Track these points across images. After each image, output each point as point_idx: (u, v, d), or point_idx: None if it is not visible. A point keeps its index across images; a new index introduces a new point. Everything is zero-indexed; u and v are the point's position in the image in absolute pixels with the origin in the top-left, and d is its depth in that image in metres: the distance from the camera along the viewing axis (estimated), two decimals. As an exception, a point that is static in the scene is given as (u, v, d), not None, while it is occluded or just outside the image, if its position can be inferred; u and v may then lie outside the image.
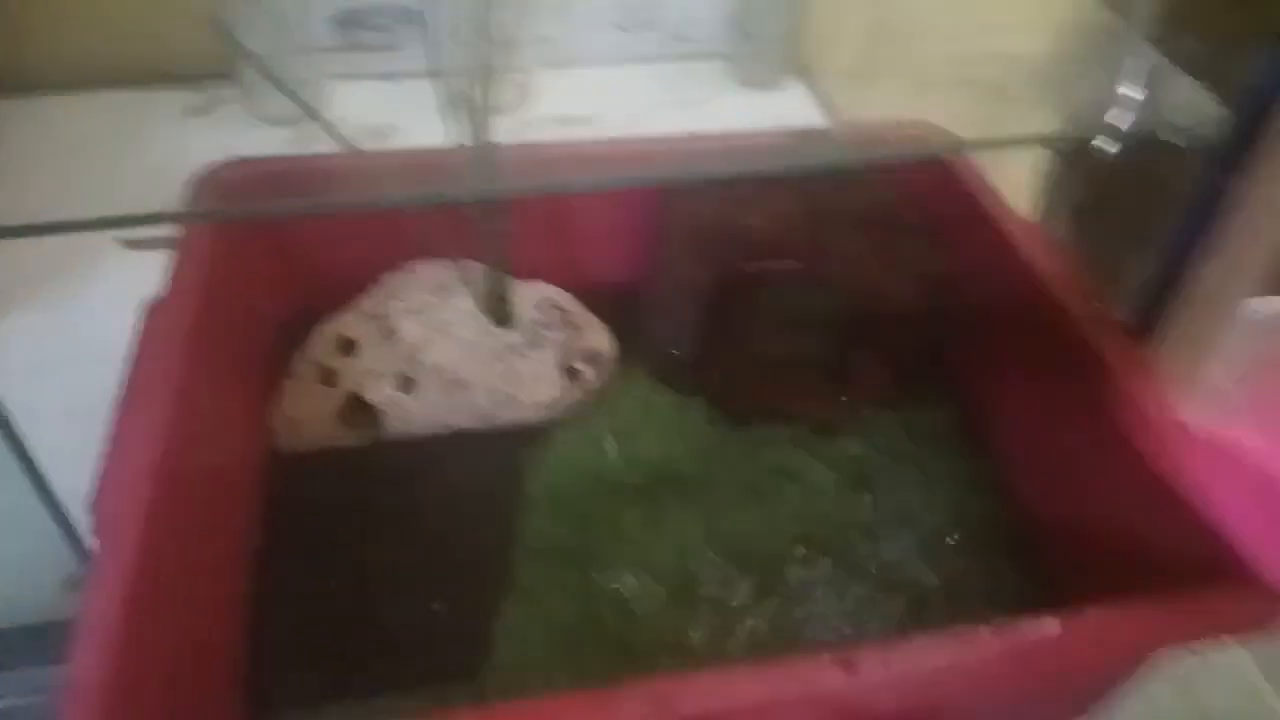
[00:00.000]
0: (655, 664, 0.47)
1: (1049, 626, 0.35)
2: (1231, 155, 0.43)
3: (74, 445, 0.43)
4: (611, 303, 0.61)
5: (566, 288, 0.60)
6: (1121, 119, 0.62)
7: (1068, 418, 0.51)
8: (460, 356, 0.54)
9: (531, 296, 0.57)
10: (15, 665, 0.48)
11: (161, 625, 0.38)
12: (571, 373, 0.57)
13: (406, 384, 0.54)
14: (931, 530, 0.53)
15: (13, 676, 0.49)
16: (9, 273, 0.69)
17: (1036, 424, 0.53)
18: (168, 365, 0.44)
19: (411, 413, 0.54)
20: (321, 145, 0.81)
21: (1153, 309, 0.48)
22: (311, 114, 0.48)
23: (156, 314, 0.47)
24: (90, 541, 0.44)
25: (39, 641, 0.48)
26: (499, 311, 0.56)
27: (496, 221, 0.54)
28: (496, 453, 0.55)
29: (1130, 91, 0.68)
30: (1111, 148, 0.53)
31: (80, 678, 0.34)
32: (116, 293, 0.67)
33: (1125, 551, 0.45)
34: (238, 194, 0.54)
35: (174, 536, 0.40)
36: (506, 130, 0.52)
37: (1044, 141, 0.53)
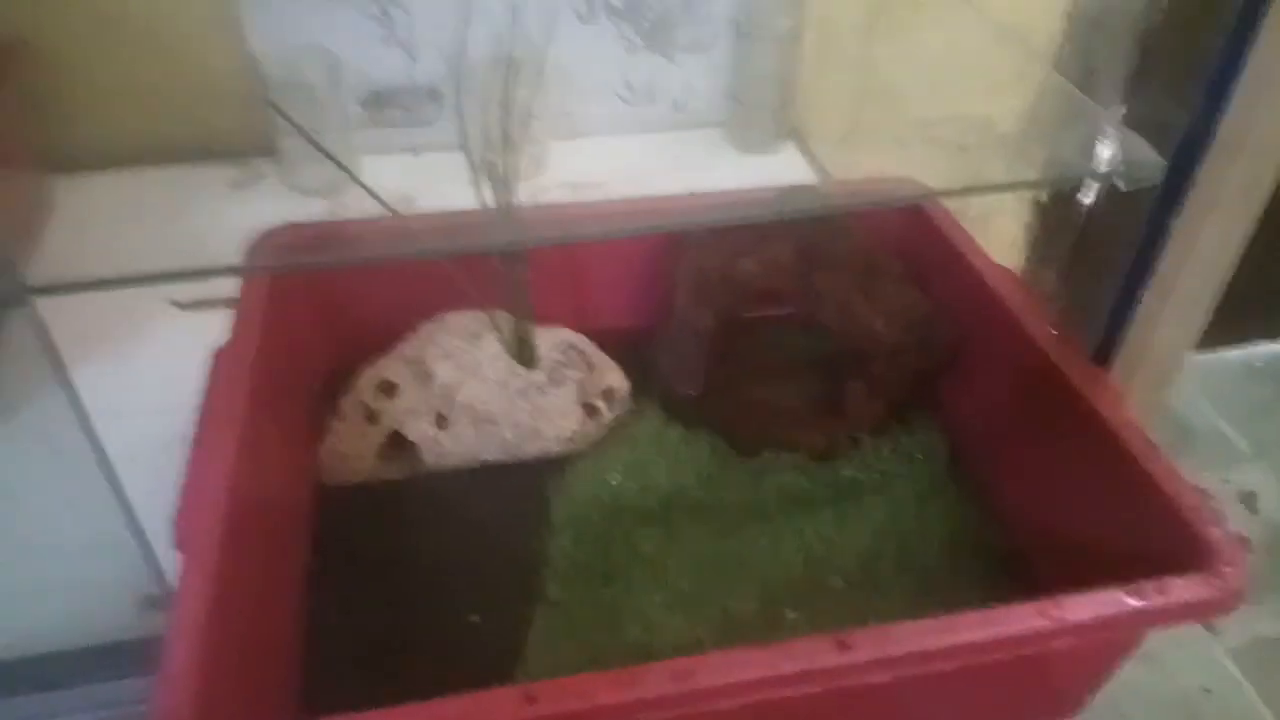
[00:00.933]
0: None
1: (1027, 610, 0.40)
2: (1169, 197, 0.49)
3: (141, 483, 0.48)
4: (623, 344, 0.67)
5: (583, 331, 0.66)
6: (1078, 169, 0.68)
7: (1040, 435, 0.56)
8: (489, 395, 0.60)
9: (552, 340, 0.63)
10: (85, 682, 0.53)
11: (236, 633, 0.43)
12: (590, 409, 0.62)
13: (441, 421, 0.60)
14: (923, 542, 0.57)
15: (82, 693, 0.53)
16: (69, 331, 0.75)
17: (1014, 443, 0.58)
18: (233, 403, 0.50)
19: (446, 447, 0.60)
20: (353, 213, 0.89)
21: (1111, 334, 0.54)
22: (358, 182, 0.54)
23: (222, 359, 0.53)
24: (164, 562, 0.49)
25: (108, 659, 0.53)
26: (523, 354, 0.61)
27: (518, 272, 0.60)
28: (523, 482, 0.61)
29: (1085, 146, 0.75)
30: (1080, 194, 0.59)
31: (171, 677, 0.38)
32: (168, 351, 0.74)
33: (1101, 550, 0.50)
34: (289, 253, 0.60)
35: (244, 554, 0.45)
36: (524, 195, 0.59)
37: (1009, 187, 0.59)
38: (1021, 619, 0.41)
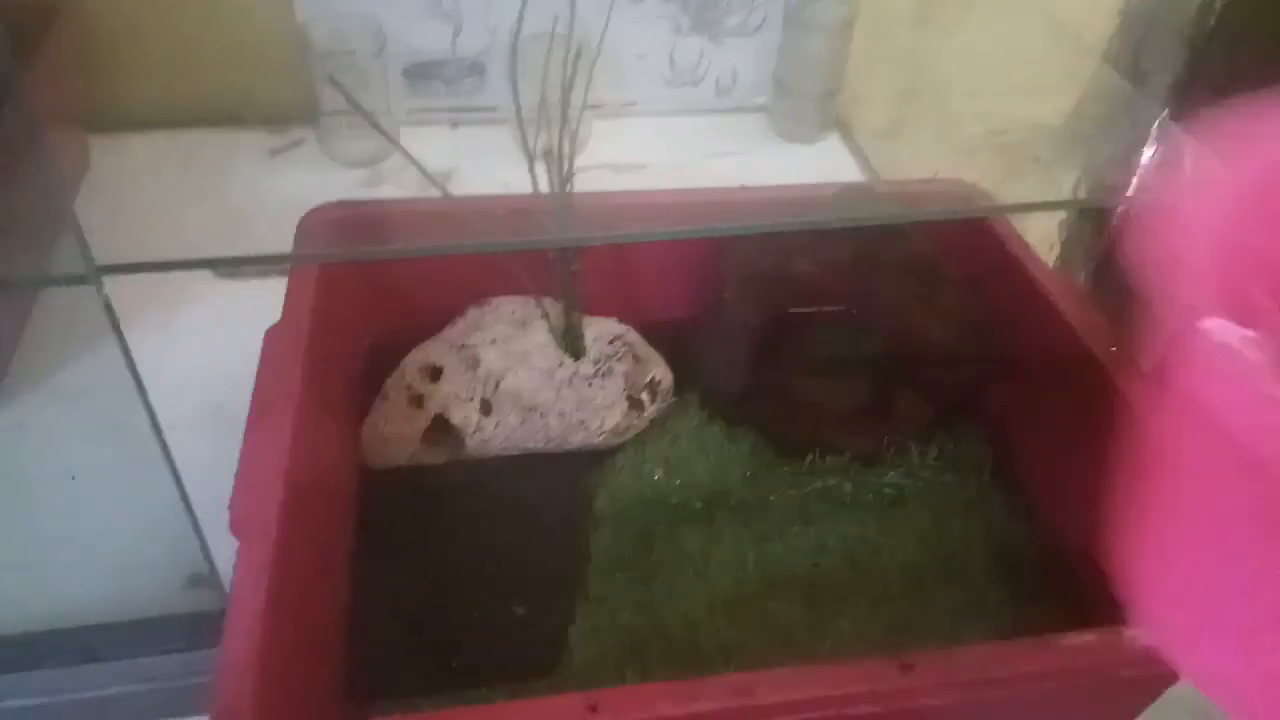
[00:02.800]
0: (715, 669, 0.52)
1: (1090, 638, 0.40)
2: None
3: (182, 454, 0.48)
4: (668, 335, 0.66)
5: (629, 322, 0.65)
6: (1135, 176, 0.67)
7: (1093, 452, 0.55)
8: (535, 384, 0.59)
9: (601, 331, 0.62)
10: (130, 655, 0.53)
11: (291, 618, 0.43)
12: (634, 402, 0.62)
13: (485, 408, 0.59)
14: (968, 552, 0.57)
15: (127, 666, 0.53)
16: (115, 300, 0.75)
17: (1064, 457, 0.58)
18: (287, 386, 0.50)
19: (489, 434, 0.59)
20: (392, 185, 0.88)
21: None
22: (420, 169, 0.53)
23: (274, 339, 0.52)
24: (212, 540, 0.49)
25: (153, 633, 0.53)
26: (572, 344, 0.61)
27: (571, 263, 0.59)
28: (564, 473, 0.61)
29: (1143, 151, 0.74)
30: (1128, 204, 0.58)
31: (232, 660, 0.38)
32: (209, 320, 0.73)
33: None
34: (340, 232, 0.59)
35: (299, 537, 0.45)
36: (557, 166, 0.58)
37: (1071, 204, 0.58)
38: (1085, 646, 0.41)
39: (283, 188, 0.87)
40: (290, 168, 0.89)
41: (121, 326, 0.71)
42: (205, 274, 0.78)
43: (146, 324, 0.72)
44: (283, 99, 0.91)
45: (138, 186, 0.85)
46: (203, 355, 0.71)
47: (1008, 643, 0.40)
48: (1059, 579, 0.56)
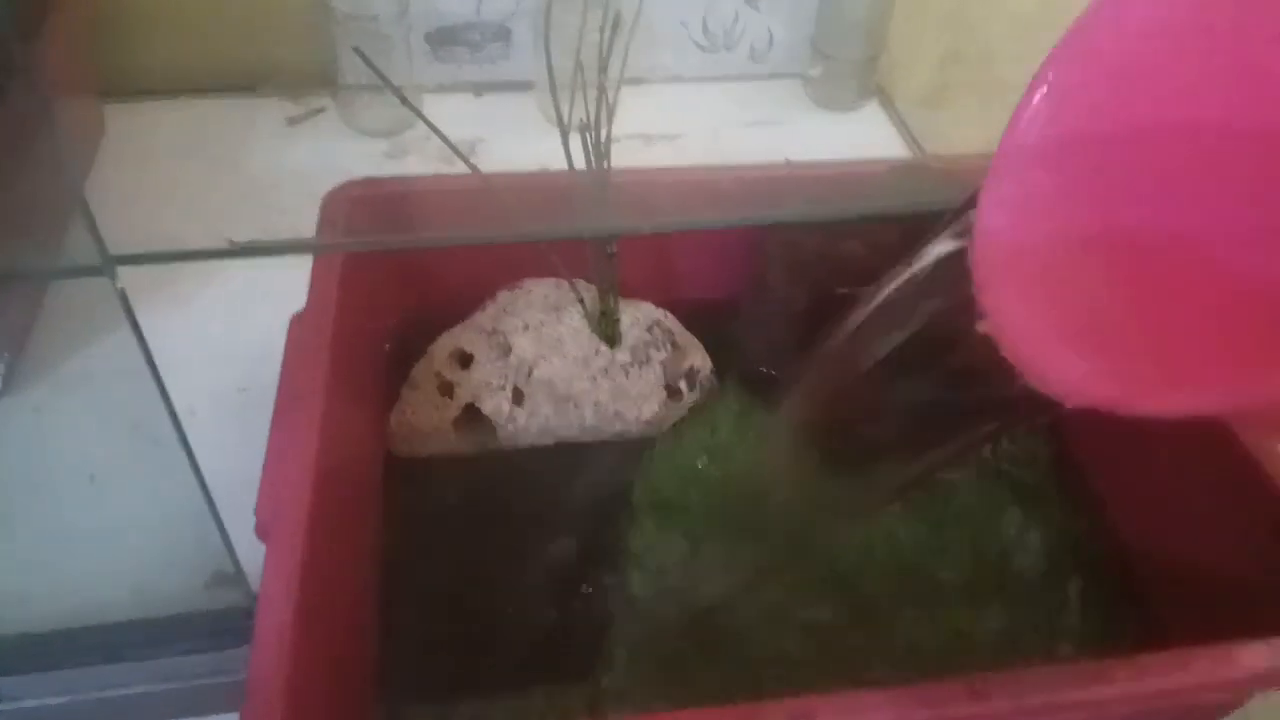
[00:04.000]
0: (760, 677, 0.49)
1: (1176, 665, 0.37)
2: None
3: (201, 442, 0.45)
4: (709, 320, 0.63)
5: (666, 304, 0.62)
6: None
7: (1161, 450, 0.52)
8: (570, 373, 0.57)
9: (638, 316, 0.59)
10: (153, 654, 0.51)
11: (321, 621, 0.41)
12: (672, 391, 0.59)
13: (518, 397, 0.57)
14: (1024, 553, 0.55)
15: (149, 664, 0.51)
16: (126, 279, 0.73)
17: (1130, 454, 0.55)
18: (315, 375, 0.47)
19: (522, 425, 0.57)
20: (415, 156, 0.85)
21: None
22: (449, 144, 0.50)
23: (299, 328, 0.49)
24: (239, 537, 0.47)
25: (176, 632, 0.51)
26: (608, 331, 0.58)
27: (608, 246, 0.56)
28: (600, 463, 0.58)
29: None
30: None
31: (261, 673, 0.36)
32: (228, 297, 0.71)
33: (1231, 586, 0.47)
34: (364, 212, 0.56)
35: (328, 536, 0.43)
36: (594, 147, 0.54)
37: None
38: (1163, 667, 0.38)
39: (302, 159, 0.84)
40: (309, 137, 0.86)
41: (136, 305, 0.69)
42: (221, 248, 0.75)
43: (163, 301, 0.70)
44: (302, 66, 0.87)
45: (153, 157, 0.82)
46: (222, 335, 0.69)
47: (1084, 665, 0.38)
48: (1120, 580, 0.54)
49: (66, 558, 0.52)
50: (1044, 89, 0.33)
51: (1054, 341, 0.31)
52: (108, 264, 0.35)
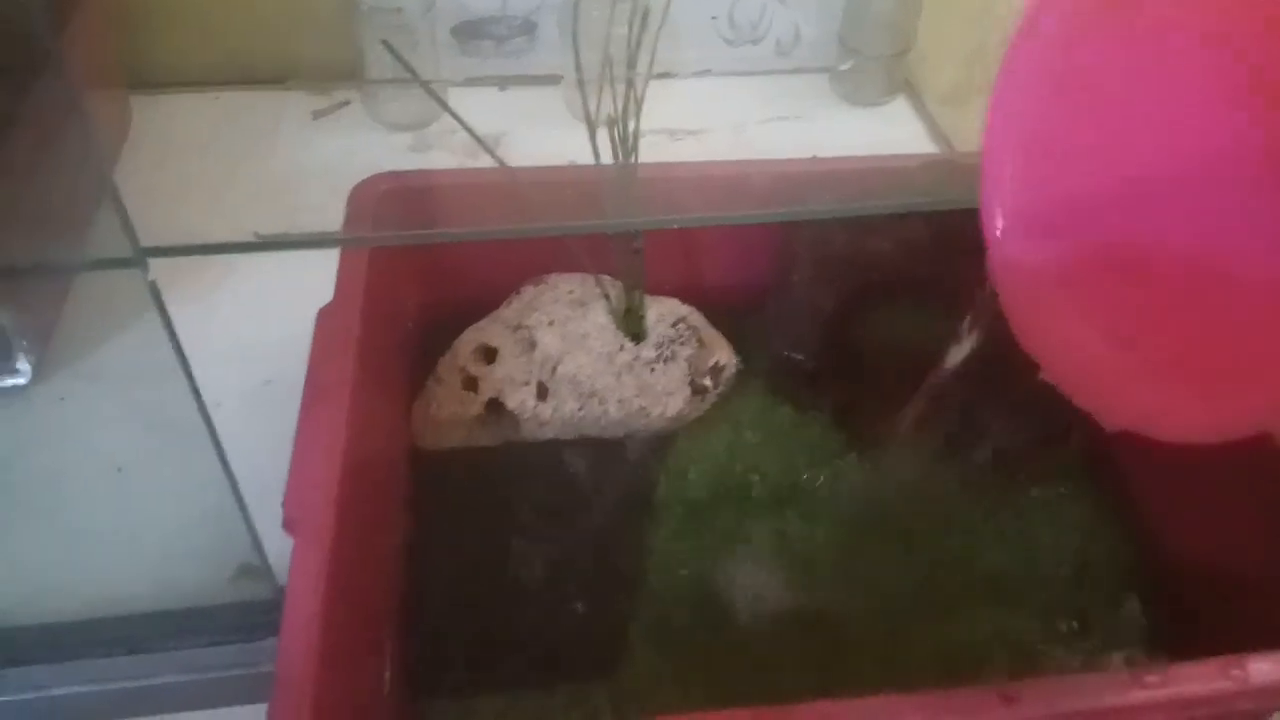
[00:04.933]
0: (784, 677, 0.49)
1: (1211, 674, 0.37)
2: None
3: (228, 435, 0.45)
4: (735, 315, 0.63)
5: (692, 299, 0.62)
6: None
7: (1201, 452, 0.51)
8: (595, 369, 0.57)
9: (663, 312, 0.59)
10: (177, 645, 0.51)
11: (348, 615, 0.40)
12: (697, 387, 0.59)
13: (542, 392, 0.57)
14: (1057, 555, 0.54)
15: (173, 656, 0.52)
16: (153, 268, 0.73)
17: (1166, 454, 0.54)
18: (342, 367, 0.47)
19: (546, 420, 0.57)
20: (439, 150, 0.85)
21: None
22: (476, 138, 0.50)
23: (326, 320, 0.49)
24: (262, 532, 0.47)
25: (201, 623, 0.51)
26: (633, 327, 0.58)
27: (634, 241, 0.55)
28: (624, 458, 0.58)
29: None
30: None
31: (288, 666, 0.36)
32: (253, 288, 0.71)
33: (1271, 593, 0.46)
34: (391, 206, 0.56)
35: (356, 531, 0.43)
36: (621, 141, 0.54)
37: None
38: (1199, 676, 0.37)
39: (327, 152, 0.84)
40: (335, 130, 0.86)
41: (163, 296, 0.69)
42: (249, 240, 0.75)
43: (188, 293, 0.70)
44: (327, 59, 0.87)
45: (180, 149, 0.83)
46: (248, 328, 0.68)
47: (1115, 674, 0.37)
48: (1159, 590, 0.53)
49: (92, 549, 0.53)
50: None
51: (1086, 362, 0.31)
52: (139, 256, 0.35)
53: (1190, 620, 0.51)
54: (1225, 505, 0.51)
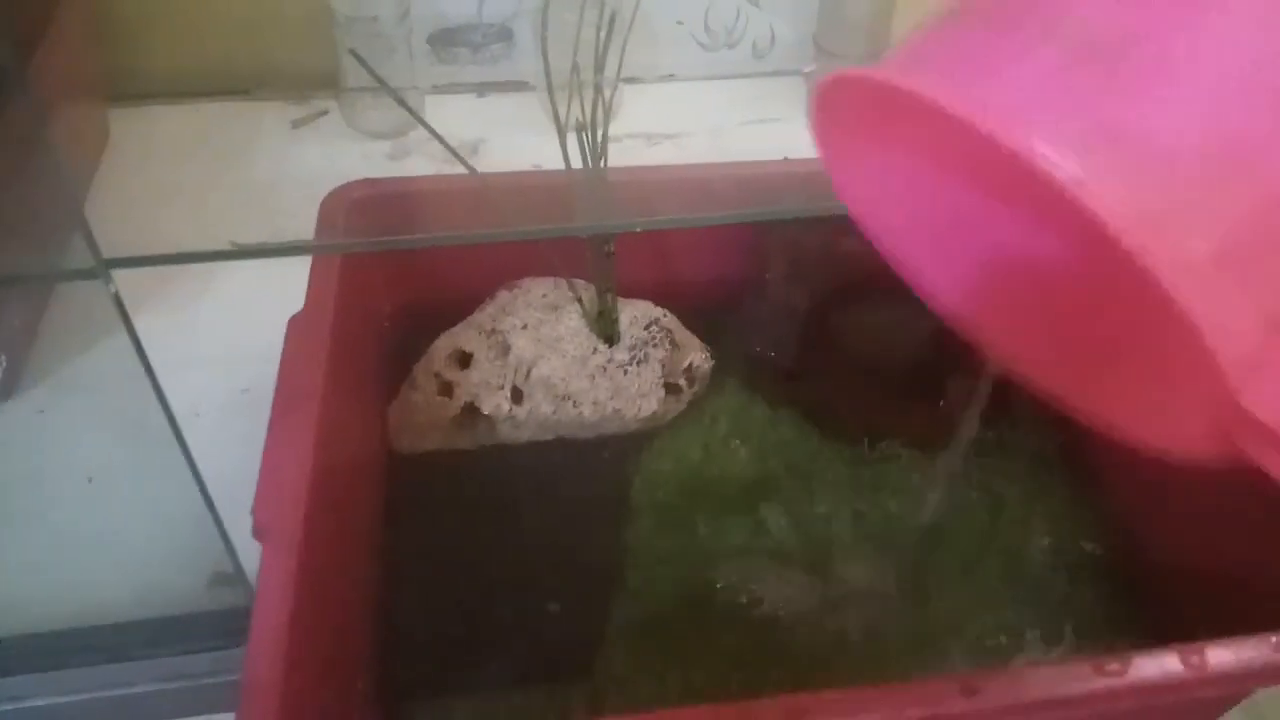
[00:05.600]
0: (764, 674, 0.49)
1: (1170, 662, 0.37)
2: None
3: (204, 443, 0.46)
4: (709, 314, 0.63)
5: (667, 301, 0.62)
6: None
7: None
8: (569, 372, 0.57)
9: (636, 315, 0.59)
10: (156, 653, 0.51)
11: (318, 621, 0.41)
12: (671, 388, 0.59)
13: (517, 396, 0.57)
14: (1031, 548, 0.54)
15: (151, 664, 0.52)
16: (125, 280, 0.73)
17: (1139, 451, 0.54)
18: (312, 375, 0.47)
19: (521, 422, 0.57)
20: (417, 156, 0.85)
21: None
22: (448, 147, 0.51)
23: (297, 329, 0.50)
24: (235, 540, 0.47)
25: (179, 631, 0.52)
26: (606, 329, 0.58)
27: (605, 245, 0.56)
28: (600, 459, 0.58)
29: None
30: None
31: (254, 675, 0.36)
32: (235, 297, 0.71)
33: (1248, 582, 0.46)
34: (363, 213, 0.56)
35: (326, 538, 0.43)
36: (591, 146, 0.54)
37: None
38: (1160, 664, 0.38)
39: (306, 161, 0.84)
40: (313, 140, 0.86)
41: (143, 305, 0.69)
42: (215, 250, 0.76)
43: (169, 303, 0.70)
44: (305, 68, 0.88)
45: (158, 160, 0.83)
46: (227, 336, 0.69)
47: (1076, 663, 0.37)
48: (1134, 582, 0.53)
49: (70, 559, 0.53)
50: None
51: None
52: (101, 268, 0.35)
53: (1172, 615, 0.51)
54: (1208, 493, 0.51)
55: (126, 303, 0.70)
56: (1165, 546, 0.53)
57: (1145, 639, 0.50)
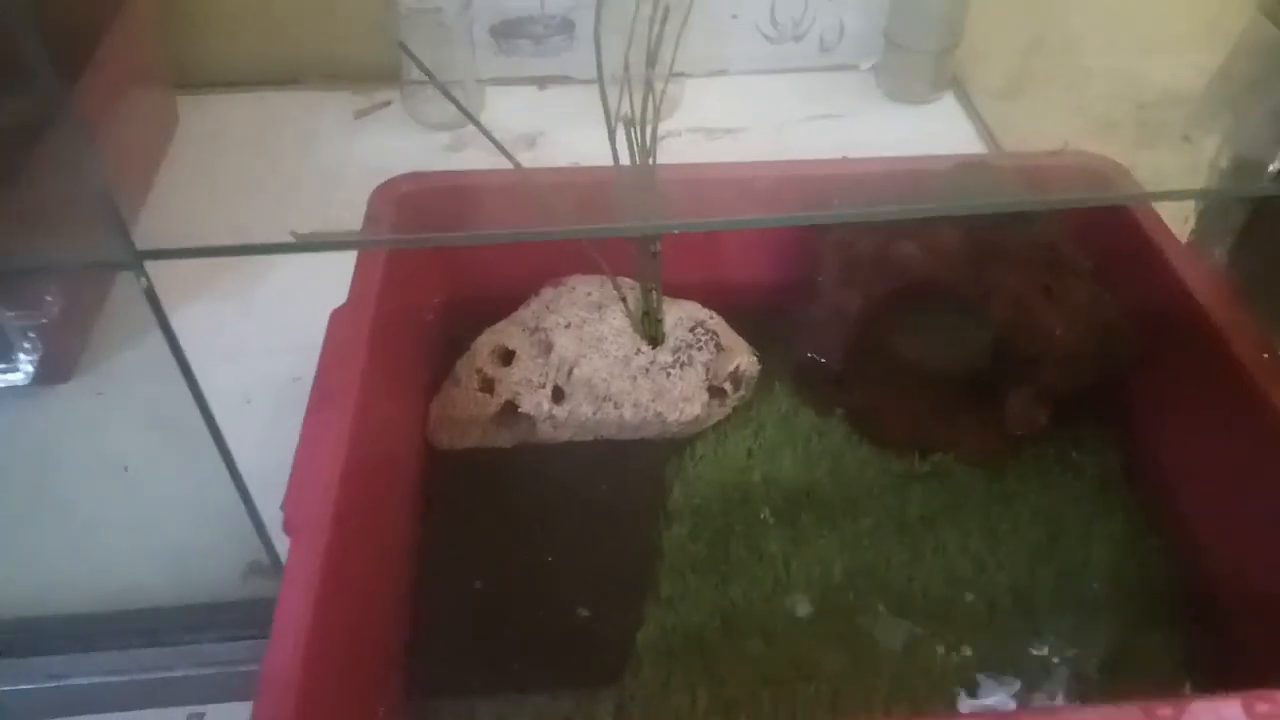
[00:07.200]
0: (794, 690, 0.48)
1: (1230, 710, 0.34)
2: None
3: (253, 431, 0.46)
4: (757, 316, 0.61)
5: (714, 302, 0.61)
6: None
7: (1238, 469, 0.49)
8: (611, 373, 0.56)
9: (682, 317, 0.58)
10: (191, 640, 0.52)
11: (343, 616, 0.41)
12: (715, 391, 0.58)
13: (558, 395, 0.56)
14: (1086, 572, 0.52)
15: (188, 650, 0.52)
16: (187, 265, 0.74)
17: (1212, 479, 0.51)
18: (351, 370, 0.47)
19: (561, 422, 0.56)
20: (475, 149, 0.85)
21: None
22: (484, 132, 0.50)
23: (339, 320, 0.50)
24: (272, 531, 0.47)
25: (214, 618, 0.52)
26: (651, 330, 0.57)
27: (652, 244, 0.55)
28: (638, 462, 0.57)
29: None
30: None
31: (274, 668, 0.36)
32: (289, 286, 0.72)
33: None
34: (411, 207, 0.56)
35: (356, 533, 0.43)
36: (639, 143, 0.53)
37: (1225, 191, 0.50)
38: (1218, 713, 0.35)
39: (367, 151, 0.85)
40: (375, 130, 0.87)
41: (198, 294, 0.71)
42: (285, 239, 0.77)
43: (226, 289, 0.71)
44: (369, 59, 0.88)
45: (224, 148, 0.84)
46: (286, 323, 0.69)
47: (1124, 706, 0.35)
48: (1196, 611, 0.50)
49: (108, 544, 0.54)
50: None
51: None
52: (135, 259, 0.35)
53: (1236, 654, 0.48)
54: (1269, 532, 0.48)
55: (184, 289, 0.72)
56: (1236, 580, 0.49)
57: (1205, 680, 0.47)
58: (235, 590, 0.52)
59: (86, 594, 0.52)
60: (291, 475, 0.43)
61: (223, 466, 0.45)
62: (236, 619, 0.52)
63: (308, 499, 0.41)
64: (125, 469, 0.55)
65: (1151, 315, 0.54)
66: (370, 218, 0.56)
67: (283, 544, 0.47)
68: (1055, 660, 0.48)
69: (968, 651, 0.49)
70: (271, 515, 0.47)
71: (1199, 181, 0.71)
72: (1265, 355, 0.48)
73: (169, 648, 0.51)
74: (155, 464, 0.56)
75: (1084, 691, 0.47)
